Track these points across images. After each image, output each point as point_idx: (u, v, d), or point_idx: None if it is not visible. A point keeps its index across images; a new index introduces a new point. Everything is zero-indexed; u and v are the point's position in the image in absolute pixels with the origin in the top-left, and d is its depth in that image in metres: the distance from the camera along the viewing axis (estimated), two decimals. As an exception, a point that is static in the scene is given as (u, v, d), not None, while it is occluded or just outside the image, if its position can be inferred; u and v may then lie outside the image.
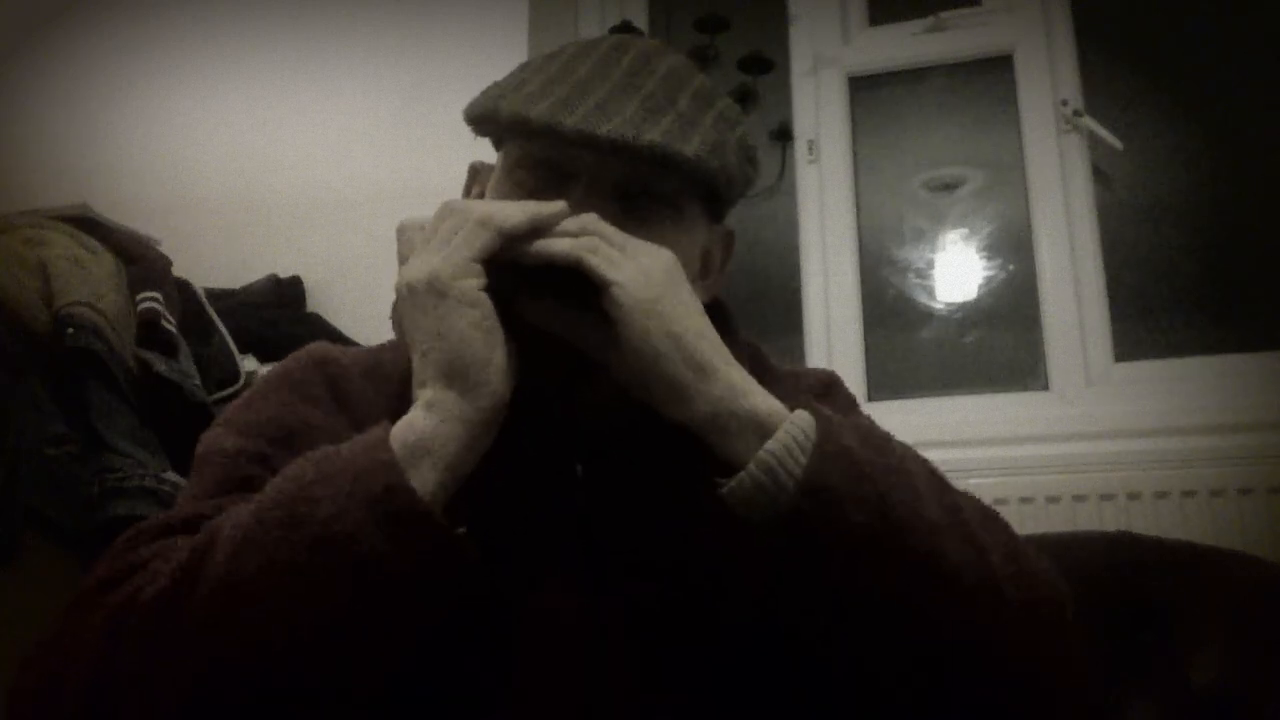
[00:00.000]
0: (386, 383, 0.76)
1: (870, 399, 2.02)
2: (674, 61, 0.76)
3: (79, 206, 1.78)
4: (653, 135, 0.68)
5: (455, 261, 0.64)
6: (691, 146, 0.69)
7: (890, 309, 2.10)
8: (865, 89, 2.22)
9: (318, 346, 0.81)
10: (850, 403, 0.85)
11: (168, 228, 1.98)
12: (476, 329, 0.63)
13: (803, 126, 2.20)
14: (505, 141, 0.77)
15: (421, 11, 2.31)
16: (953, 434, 1.88)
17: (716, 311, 0.79)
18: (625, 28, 2.19)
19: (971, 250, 2.10)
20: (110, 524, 1.45)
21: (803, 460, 0.61)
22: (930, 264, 2.11)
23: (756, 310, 2.18)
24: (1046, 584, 0.68)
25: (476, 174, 0.83)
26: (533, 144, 0.72)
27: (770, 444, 0.62)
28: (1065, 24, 2.09)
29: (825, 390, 0.84)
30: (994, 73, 2.13)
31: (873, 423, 0.72)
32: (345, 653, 0.59)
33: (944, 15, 2.15)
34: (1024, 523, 1.69)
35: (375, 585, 0.58)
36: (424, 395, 0.63)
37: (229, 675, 0.57)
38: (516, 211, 0.66)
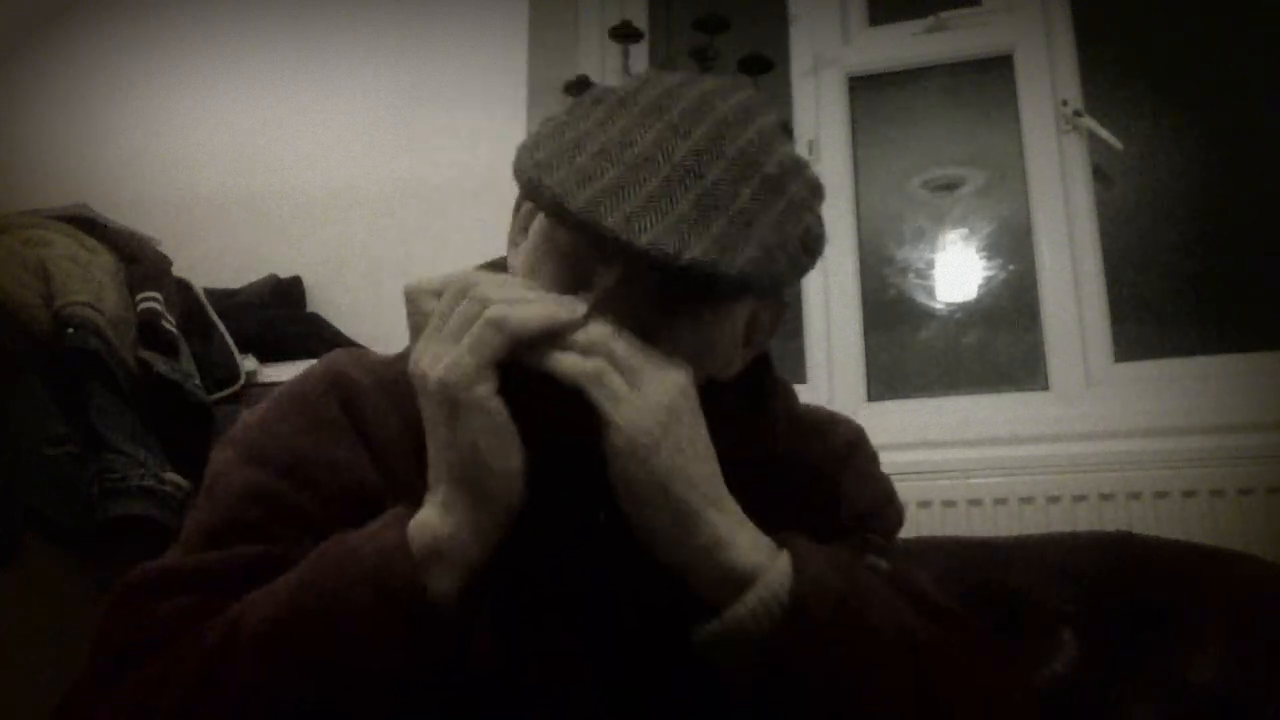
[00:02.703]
0: (403, 399, 0.73)
1: (870, 399, 2.02)
2: (753, 135, 0.69)
3: (79, 206, 1.78)
4: (694, 252, 0.62)
5: (465, 366, 0.62)
6: (737, 263, 0.64)
7: (890, 309, 2.10)
8: (865, 89, 2.22)
9: (333, 362, 0.79)
10: (870, 470, 0.85)
11: (168, 228, 1.98)
12: (490, 437, 0.62)
13: (803, 126, 2.20)
14: (529, 199, 0.72)
15: (421, 12, 2.31)
16: (953, 434, 1.88)
17: (759, 363, 0.79)
18: (625, 28, 2.19)
19: (971, 250, 2.10)
20: (110, 524, 1.45)
21: (766, 626, 0.63)
22: (930, 264, 2.11)
23: (756, 310, 2.18)
24: None
25: (517, 213, 0.79)
26: (568, 229, 0.66)
27: (739, 606, 0.63)
28: (1065, 24, 2.09)
29: (849, 455, 0.83)
30: (994, 73, 2.13)
31: (867, 576, 0.70)
32: None
33: (944, 15, 2.15)
34: (1024, 523, 1.70)
35: (395, 691, 0.61)
36: (439, 494, 0.64)
37: None
38: (531, 315, 0.63)
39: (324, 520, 0.69)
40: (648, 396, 0.63)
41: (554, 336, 0.63)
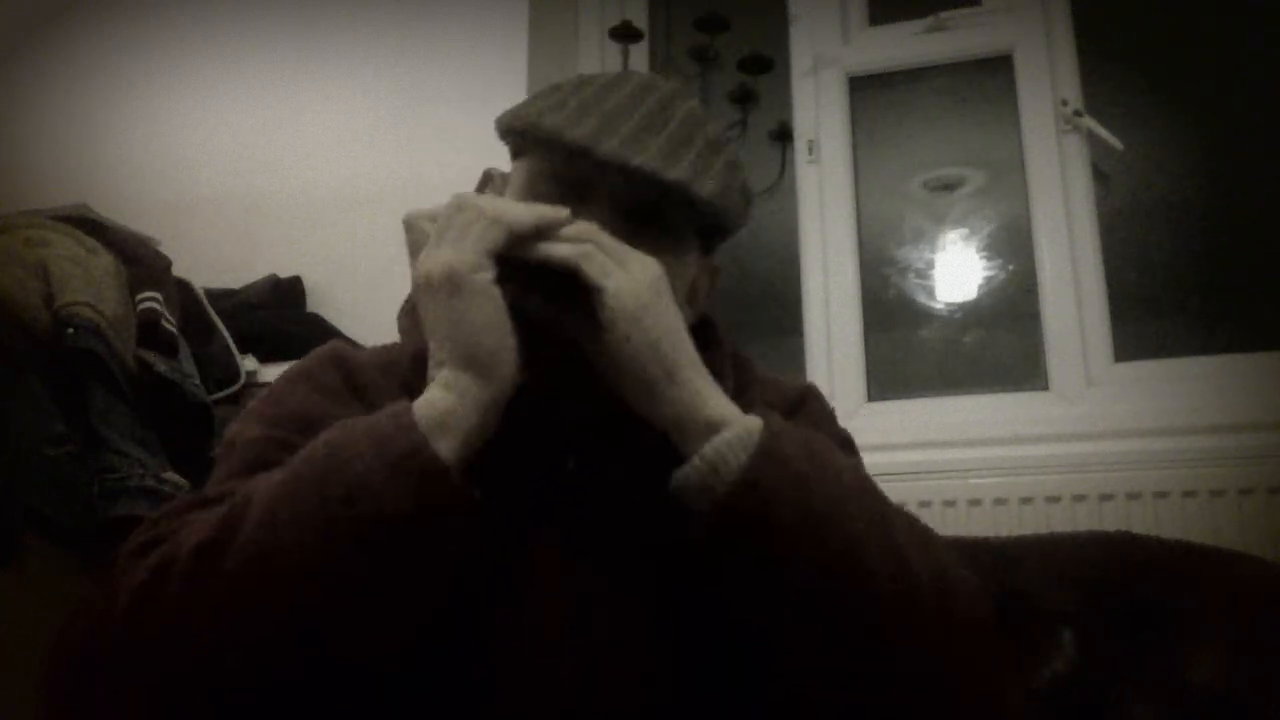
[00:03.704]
0: (399, 375, 0.81)
1: (870, 399, 2.03)
2: (691, 106, 0.83)
3: (79, 206, 1.78)
4: (677, 173, 0.77)
5: (469, 255, 0.69)
6: (708, 188, 0.78)
7: (890, 309, 2.10)
8: (865, 89, 2.22)
9: (333, 345, 0.87)
10: (825, 415, 0.90)
11: (168, 228, 1.98)
12: (490, 318, 0.69)
13: (803, 126, 2.20)
14: (529, 154, 0.83)
15: (421, 12, 2.31)
16: (953, 434, 1.88)
17: (704, 327, 0.86)
18: (625, 28, 2.19)
19: (971, 250, 2.10)
20: (110, 524, 1.45)
21: (743, 459, 0.67)
22: (930, 264, 2.11)
23: (757, 310, 2.18)
24: (968, 601, 0.71)
25: (490, 180, 0.89)
26: (562, 160, 0.78)
27: (715, 440, 0.69)
28: (1065, 24, 2.09)
29: (800, 401, 0.89)
30: (994, 73, 2.13)
31: (831, 441, 0.77)
32: (369, 605, 0.64)
33: (944, 15, 2.15)
34: (1024, 523, 1.70)
35: (400, 540, 0.63)
36: (442, 376, 0.69)
37: (260, 623, 0.62)
38: (525, 212, 0.72)
39: None
40: (633, 272, 0.72)
41: (545, 233, 0.72)
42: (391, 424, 0.65)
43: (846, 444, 0.88)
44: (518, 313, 0.71)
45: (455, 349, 0.68)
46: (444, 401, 0.67)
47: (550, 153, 0.79)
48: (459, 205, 0.72)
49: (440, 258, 0.70)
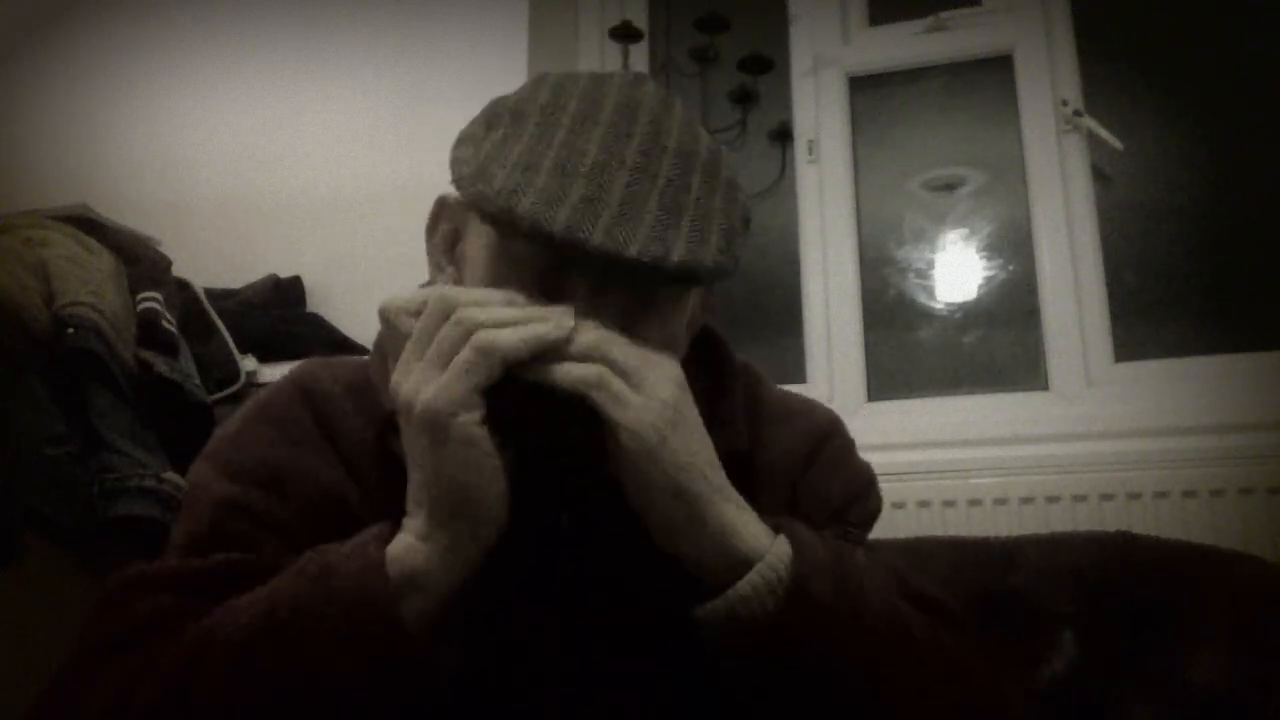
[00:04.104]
0: (373, 405, 0.75)
1: (870, 399, 2.02)
2: (680, 124, 0.71)
3: (79, 206, 1.78)
4: (678, 253, 0.65)
5: (453, 395, 0.62)
6: (711, 253, 0.67)
7: (890, 309, 2.10)
8: (865, 89, 2.22)
9: (301, 373, 0.80)
10: (849, 456, 0.85)
11: (168, 228, 1.98)
12: (475, 469, 0.63)
13: (803, 126, 2.20)
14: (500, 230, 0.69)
15: (421, 12, 2.31)
16: (953, 434, 1.88)
17: (708, 341, 0.81)
18: (625, 28, 2.19)
19: (971, 250, 2.10)
20: (110, 524, 1.45)
21: (769, 607, 0.64)
22: (930, 264, 2.11)
23: (757, 310, 2.18)
24: (989, 709, 0.71)
25: (447, 209, 0.78)
26: (542, 245, 0.65)
27: (742, 585, 0.65)
28: (1065, 24, 2.09)
29: (822, 441, 0.83)
30: (994, 73, 2.13)
31: (847, 555, 0.71)
32: None
33: (944, 15, 2.15)
34: (1024, 523, 1.70)
35: (365, 713, 0.61)
36: (417, 522, 0.64)
37: None
38: (520, 337, 0.63)
39: (300, 527, 0.71)
40: (650, 395, 0.64)
41: (545, 353, 0.63)
42: (359, 589, 0.61)
43: (864, 488, 0.84)
44: (513, 425, 0.65)
45: (435, 499, 0.63)
46: (418, 557, 0.63)
47: (533, 241, 0.65)
48: (443, 312, 0.64)
49: (420, 392, 0.62)
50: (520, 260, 0.68)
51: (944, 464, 1.82)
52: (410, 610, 0.62)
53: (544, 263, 0.67)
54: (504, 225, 0.65)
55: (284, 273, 2.12)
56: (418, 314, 0.65)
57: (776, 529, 0.68)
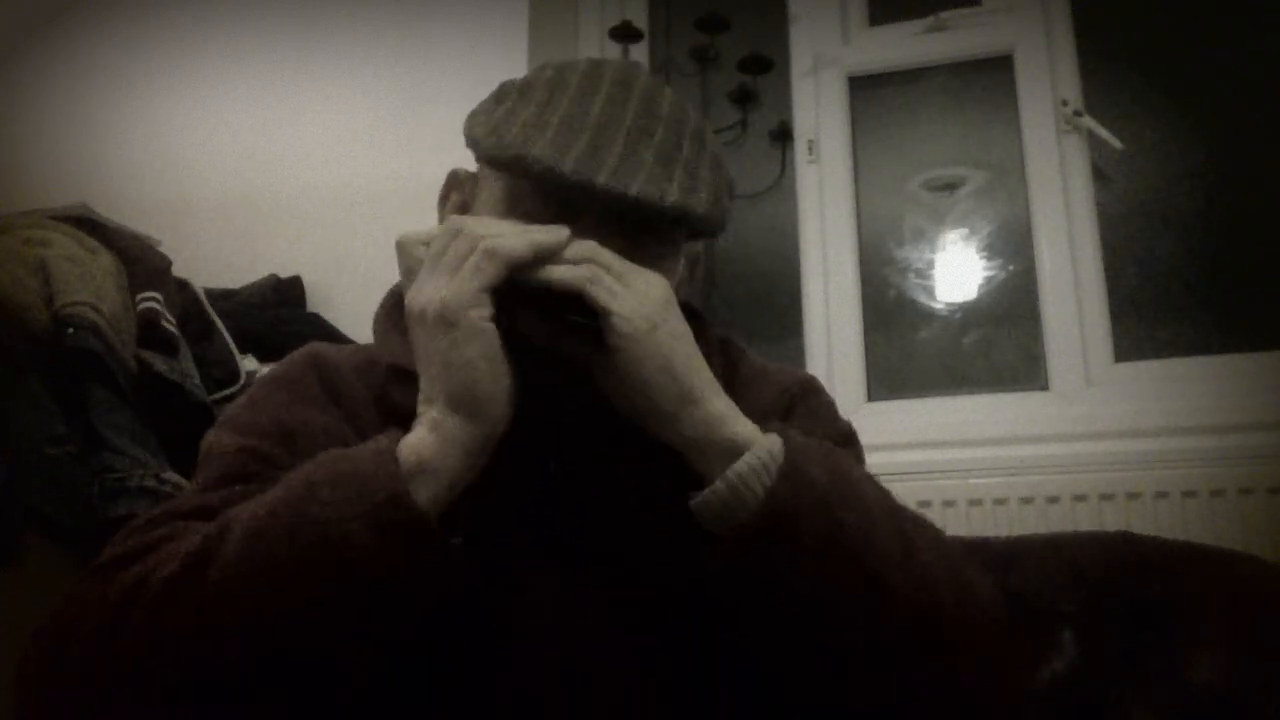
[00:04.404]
0: (377, 379, 0.80)
1: (870, 399, 2.03)
2: (671, 99, 0.80)
3: (79, 206, 1.78)
4: (673, 196, 0.73)
5: (464, 292, 0.67)
6: (702, 203, 0.75)
7: (890, 309, 2.10)
8: (865, 89, 2.22)
9: (311, 347, 0.85)
10: (825, 409, 0.87)
11: (168, 228, 1.98)
12: (484, 359, 0.66)
13: (803, 126, 2.20)
14: (508, 171, 0.77)
15: (421, 12, 2.31)
16: (953, 434, 1.88)
17: (688, 312, 0.82)
18: (625, 28, 2.19)
19: (971, 250, 2.10)
20: (110, 523, 1.45)
21: (767, 482, 0.66)
22: (930, 264, 2.11)
23: (757, 310, 2.18)
24: (988, 609, 0.71)
25: (458, 182, 0.86)
26: (552, 186, 0.73)
27: (739, 464, 0.67)
28: (1065, 24, 2.09)
29: (800, 395, 0.86)
30: (994, 73, 2.13)
31: (838, 451, 0.75)
32: (339, 643, 0.63)
33: (944, 15, 2.15)
34: (1024, 523, 1.70)
35: (371, 584, 0.62)
36: (429, 415, 0.67)
37: (230, 656, 0.61)
38: (521, 241, 0.69)
39: None
40: (639, 291, 0.70)
41: (544, 258, 0.69)
42: (372, 465, 0.64)
43: (849, 438, 0.86)
44: (519, 337, 0.69)
45: (446, 389, 0.66)
46: (429, 445, 0.66)
47: (544, 181, 0.73)
48: (453, 232, 0.69)
49: (434, 293, 0.67)
50: (524, 211, 0.75)
51: (944, 464, 1.82)
52: (421, 492, 0.64)
53: (551, 208, 0.74)
54: (518, 169, 0.73)
55: (284, 273, 2.13)
56: (429, 245, 0.71)
57: (765, 429, 0.71)
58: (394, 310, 0.84)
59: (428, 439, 0.66)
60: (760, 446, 0.68)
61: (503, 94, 0.81)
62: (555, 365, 0.72)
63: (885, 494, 0.72)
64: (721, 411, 0.70)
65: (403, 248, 0.74)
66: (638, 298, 0.69)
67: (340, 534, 0.61)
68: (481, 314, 0.67)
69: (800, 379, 0.89)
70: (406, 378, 0.73)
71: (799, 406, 0.85)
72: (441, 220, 0.84)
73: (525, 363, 0.70)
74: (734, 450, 0.68)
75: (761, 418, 0.74)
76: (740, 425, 0.69)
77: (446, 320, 0.66)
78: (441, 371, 0.67)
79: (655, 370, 0.68)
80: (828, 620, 0.66)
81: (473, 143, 0.78)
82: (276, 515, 0.63)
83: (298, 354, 0.84)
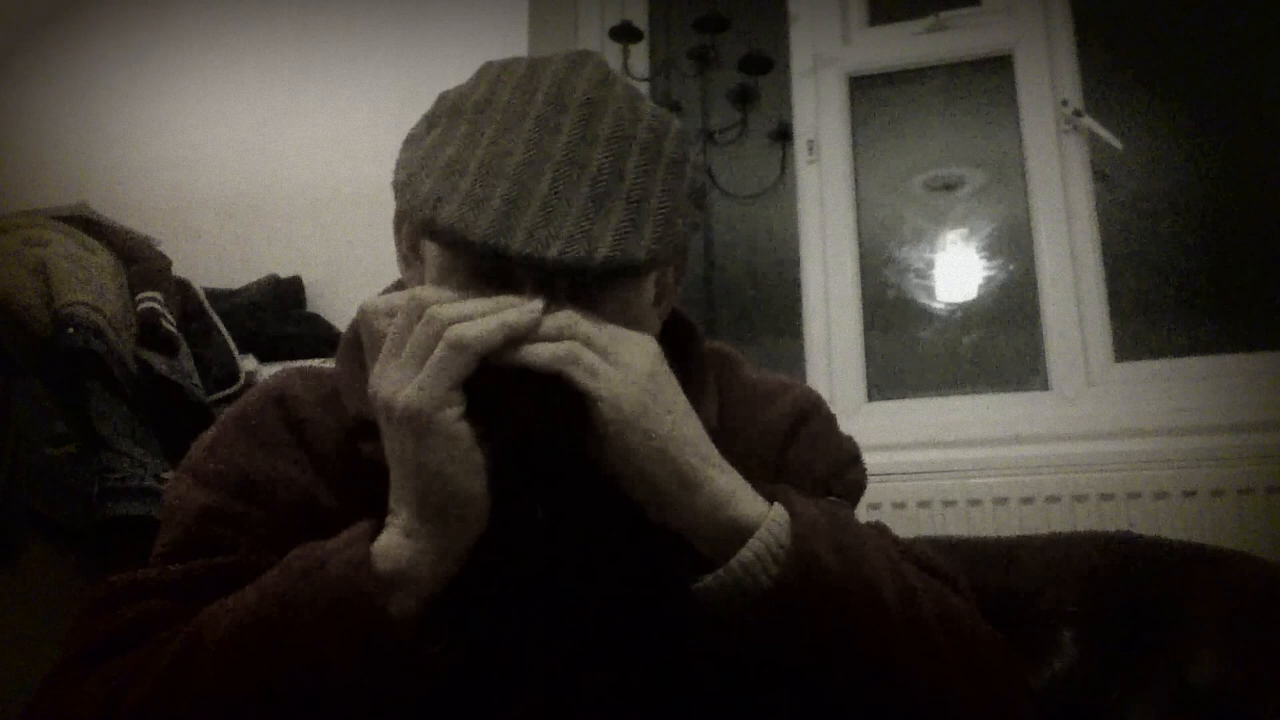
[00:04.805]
0: (342, 413, 0.76)
1: (870, 399, 2.03)
2: (617, 106, 0.70)
3: (79, 206, 1.78)
4: (604, 249, 0.64)
5: (433, 393, 0.62)
6: (645, 245, 0.66)
7: (890, 309, 2.10)
8: (865, 89, 2.22)
9: (274, 381, 0.80)
10: (829, 431, 0.84)
11: (168, 228, 1.98)
12: (457, 465, 0.63)
13: (803, 126, 2.20)
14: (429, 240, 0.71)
15: (421, 12, 2.31)
16: (953, 434, 1.88)
17: (678, 325, 0.80)
18: (625, 28, 2.19)
19: (971, 250, 2.10)
20: (110, 523, 1.45)
21: (774, 570, 0.64)
22: (930, 264, 2.11)
23: (757, 310, 2.18)
24: (1000, 673, 0.70)
25: (403, 229, 0.80)
26: (474, 256, 0.66)
27: (744, 552, 0.64)
28: (1065, 24, 2.09)
29: (801, 419, 0.82)
30: (994, 73, 2.13)
31: (842, 517, 0.71)
32: None
33: (944, 15, 2.15)
34: (1024, 523, 1.70)
35: (351, 699, 0.62)
36: (402, 519, 0.64)
37: None
38: (490, 326, 0.63)
39: (275, 530, 0.71)
40: (627, 367, 0.64)
41: (517, 341, 0.63)
42: (346, 583, 0.61)
43: (852, 460, 0.84)
44: (497, 419, 0.65)
45: (418, 495, 0.63)
46: (404, 553, 0.63)
47: (455, 249, 0.66)
48: (415, 311, 0.64)
49: (398, 386, 0.62)
50: (465, 270, 0.68)
51: (944, 464, 1.82)
52: (396, 606, 0.62)
53: (485, 271, 0.67)
54: (431, 236, 0.66)
55: (284, 273, 2.12)
56: (393, 316, 0.66)
57: (770, 496, 0.68)
58: (356, 352, 0.77)
59: (402, 547, 0.63)
60: (766, 530, 0.65)
61: (435, 114, 0.74)
62: (539, 438, 0.68)
63: (893, 564, 0.69)
64: (723, 491, 0.65)
65: (364, 318, 0.68)
66: (623, 379, 0.63)
67: (317, 658, 0.60)
68: (451, 414, 0.62)
69: (799, 400, 0.84)
70: (374, 431, 0.68)
71: (800, 432, 0.82)
72: (399, 246, 0.80)
73: (505, 434, 0.66)
74: (738, 535, 0.64)
75: (761, 440, 0.72)
76: (744, 506, 0.65)
77: (414, 424, 0.62)
78: (414, 477, 0.63)
79: (649, 458, 0.63)
80: (832, 696, 0.65)
81: (394, 187, 0.71)
82: (249, 638, 0.62)
83: (259, 392, 0.80)
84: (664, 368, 0.66)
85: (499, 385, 0.64)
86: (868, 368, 2.04)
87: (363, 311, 0.69)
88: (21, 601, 1.35)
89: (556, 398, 0.64)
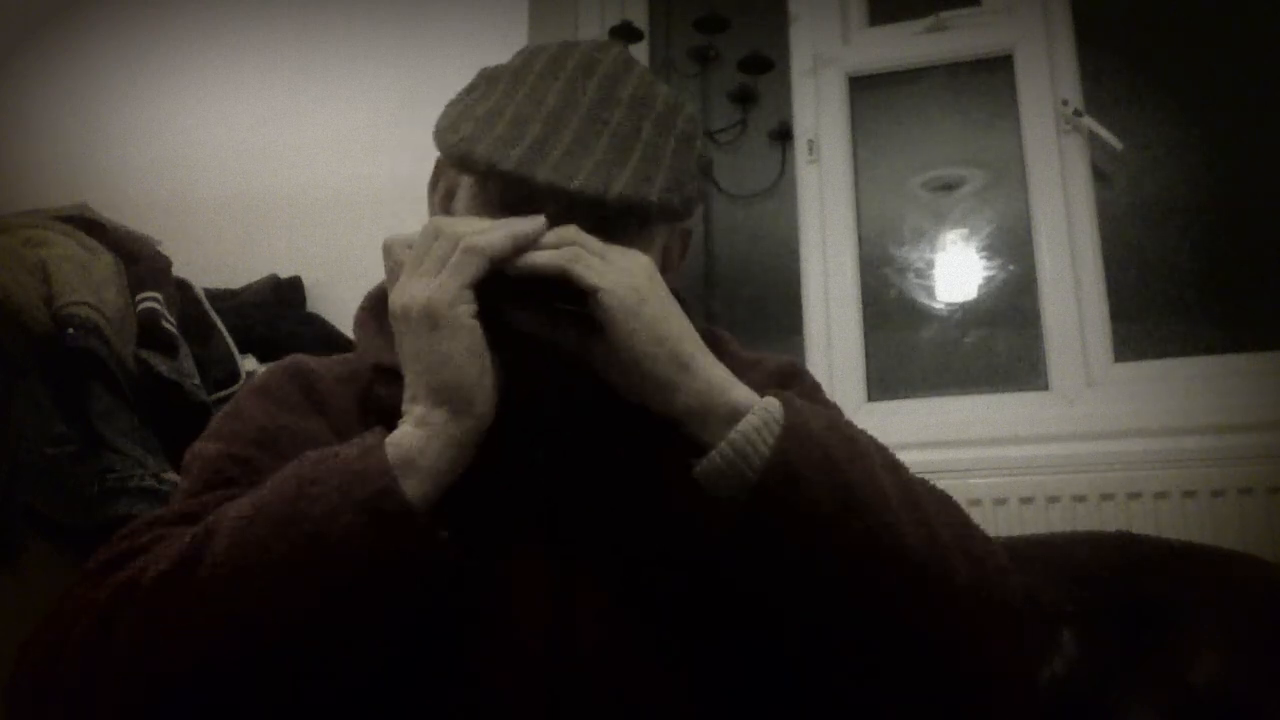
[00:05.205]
0: (360, 388, 0.81)
1: (870, 399, 2.03)
2: (637, 80, 0.79)
3: (79, 206, 1.78)
4: (620, 186, 0.72)
5: (448, 290, 0.67)
6: (656, 190, 0.74)
7: (890, 309, 2.10)
8: (865, 89, 2.22)
9: (292, 358, 0.85)
10: (814, 390, 0.88)
11: (168, 228, 1.98)
12: (468, 355, 0.67)
13: (803, 126, 2.20)
14: (469, 174, 0.79)
15: (421, 11, 2.31)
16: (953, 434, 1.88)
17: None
18: (625, 28, 2.19)
19: (971, 250, 2.10)
20: (110, 524, 1.45)
21: (770, 441, 0.66)
22: (930, 264, 2.11)
23: (757, 310, 2.18)
24: (996, 568, 0.71)
25: (442, 167, 0.87)
26: (503, 186, 0.74)
27: (741, 426, 0.67)
28: (1065, 24, 2.09)
29: (786, 379, 0.86)
30: (994, 73, 2.13)
31: (836, 411, 0.77)
32: (329, 637, 0.63)
33: (944, 15, 2.15)
34: (1024, 523, 1.70)
35: (361, 578, 0.63)
36: (415, 412, 0.68)
37: (223, 654, 0.62)
38: (500, 234, 0.69)
39: None
40: (623, 267, 0.70)
41: (524, 248, 0.70)
42: (361, 462, 0.64)
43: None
44: (505, 330, 0.70)
45: (431, 385, 0.67)
46: (416, 439, 0.66)
47: (489, 179, 0.75)
48: (433, 233, 0.70)
49: (417, 291, 0.68)
50: (493, 203, 0.75)
51: (944, 464, 1.82)
52: (409, 488, 0.64)
53: (512, 205, 0.73)
54: (466, 167, 0.75)
55: (284, 273, 2.12)
56: (412, 245, 0.72)
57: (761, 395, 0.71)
58: (375, 311, 0.86)
59: (414, 434, 0.66)
60: (760, 407, 0.68)
61: (475, 83, 0.82)
62: (545, 354, 0.72)
63: (882, 448, 0.73)
64: (718, 377, 0.70)
65: (387, 250, 0.75)
66: (622, 273, 0.69)
67: (330, 529, 0.61)
68: (465, 310, 0.67)
69: (785, 364, 0.89)
70: (391, 376, 0.74)
71: (789, 389, 0.83)
72: (432, 207, 0.86)
73: (513, 354, 0.70)
74: (734, 414, 0.68)
75: None
76: (738, 389, 0.70)
77: (430, 318, 0.67)
78: (426, 369, 0.67)
79: (647, 342, 0.68)
80: (840, 577, 0.65)
81: (434, 135, 0.79)
82: (265, 512, 0.63)
83: (279, 365, 0.84)
84: (657, 274, 0.72)
85: (508, 302, 0.70)
86: (868, 368, 2.04)
87: (386, 243, 0.75)
88: (21, 601, 1.35)
89: (560, 310, 0.70)
